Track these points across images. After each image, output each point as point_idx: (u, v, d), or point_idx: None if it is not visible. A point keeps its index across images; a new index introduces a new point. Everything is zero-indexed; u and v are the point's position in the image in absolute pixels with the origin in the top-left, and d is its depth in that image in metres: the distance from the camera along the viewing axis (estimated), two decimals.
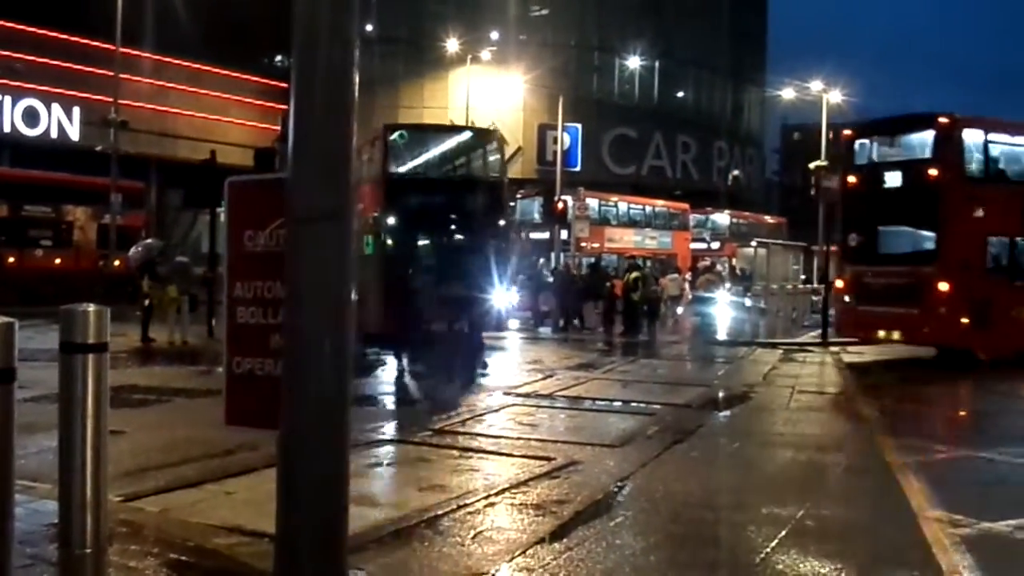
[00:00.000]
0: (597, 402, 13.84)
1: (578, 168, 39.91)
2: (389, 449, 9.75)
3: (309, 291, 3.60)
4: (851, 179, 21.26)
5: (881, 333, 20.09)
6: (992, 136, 19.66)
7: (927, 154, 19.63)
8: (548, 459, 9.11)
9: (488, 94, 52.77)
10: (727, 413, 13.24)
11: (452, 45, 50.27)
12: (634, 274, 25.45)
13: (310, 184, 3.57)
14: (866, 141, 21.27)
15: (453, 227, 19.63)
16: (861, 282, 20.36)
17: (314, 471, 3.58)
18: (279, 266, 4.11)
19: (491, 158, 20.94)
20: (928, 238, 19.52)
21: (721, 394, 14.96)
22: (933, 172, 19.03)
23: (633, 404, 13.57)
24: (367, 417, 11.13)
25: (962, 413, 15.10)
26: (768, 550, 6.50)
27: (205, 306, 20.29)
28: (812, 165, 45.00)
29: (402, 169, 19.52)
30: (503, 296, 19.61)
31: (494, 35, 53.20)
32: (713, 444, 10.86)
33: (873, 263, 20.25)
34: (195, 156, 27.05)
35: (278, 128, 35.93)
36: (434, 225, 19.32)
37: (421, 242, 19.44)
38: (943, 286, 18.64)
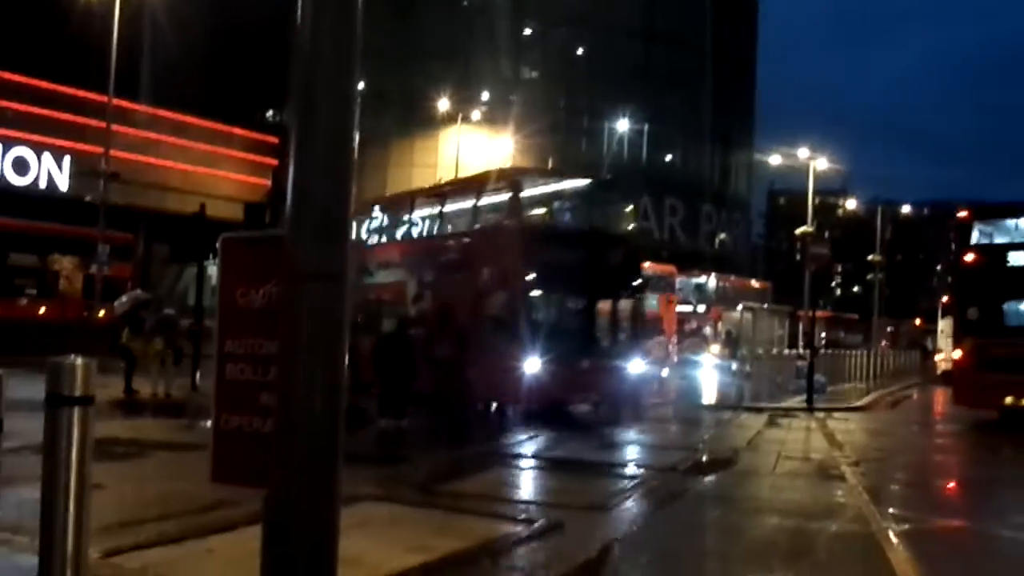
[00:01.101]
0: (583, 464, 13.79)
1: None
2: (373, 507, 9.65)
3: (303, 349, 3.59)
4: (969, 257, 22.40)
5: (1008, 400, 20.76)
6: None
7: None
8: (532, 521, 9.04)
9: (478, 153, 53.20)
10: (712, 477, 13.17)
11: (443, 104, 50.77)
12: None
13: (308, 242, 3.58)
14: (988, 221, 22.87)
15: (596, 286, 19.20)
16: (985, 352, 21.18)
17: (303, 530, 3.55)
18: (271, 323, 4.11)
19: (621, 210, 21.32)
20: None
21: (706, 458, 14.91)
22: None
23: (618, 467, 13.51)
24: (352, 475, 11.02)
25: (953, 484, 15.06)
26: None
27: (190, 359, 20.17)
28: (799, 231, 45.45)
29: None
30: (639, 366, 19.18)
31: (484, 95, 53.81)
32: (699, 508, 10.81)
33: (997, 335, 21.18)
34: (184, 209, 27.07)
35: (268, 182, 36.15)
36: (575, 284, 18.81)
37: (562, 303, 19.24)
38: None
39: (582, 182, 23.38)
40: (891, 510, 10.43)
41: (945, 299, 25.25)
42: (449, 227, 22.02)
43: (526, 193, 19.86)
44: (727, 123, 68.72)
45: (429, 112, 52.62)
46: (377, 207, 25.29)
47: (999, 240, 22.50)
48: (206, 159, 42.55)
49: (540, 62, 61.59)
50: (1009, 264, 21.71)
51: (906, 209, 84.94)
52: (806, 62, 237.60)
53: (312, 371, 3.58)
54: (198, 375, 19.67)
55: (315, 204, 3.57)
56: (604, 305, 19.60)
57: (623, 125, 59.29)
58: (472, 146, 52.08)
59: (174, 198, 37.69)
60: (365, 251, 23.62)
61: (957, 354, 22.39)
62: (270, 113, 47.00)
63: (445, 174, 54.68)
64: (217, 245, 4.94)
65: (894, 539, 8.98)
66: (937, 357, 41.97)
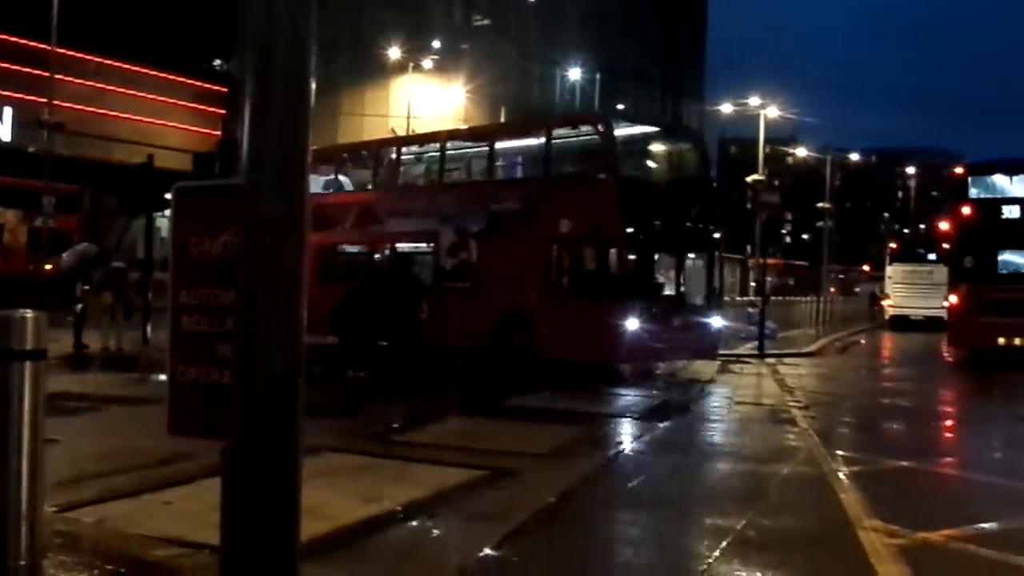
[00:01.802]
0: (536, 412, 13.87)
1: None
2: (332, 458, 9.64)
3: (261, 297, 3.53)
4: (966, 210, 23.95)
5: (1001, 340, 22.31)
6: None
7: None
8: (490, 469, 9.09)
9: (429, 102, 52.79)
10: (668, 423, 13.31)
11: (394, 53, 50.12)
12: None
13: (266, 191, 3.50)
14: (983, 178, 24.64)
15: (688, 240, 19.52)
16: (980, 298, 22.74)
17: (264, 482, 3.50)
18: (227, 273, 4.03)
19: (698, 157, 21.12)
20: None
21: (662, 404, 15.07)
22: None
23: (575, 415, 13.61)
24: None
25: (900, 426, 15.34)
26: (711, 560, 6.54)
27: (141, 312, 19.92)
28: (749, 179, 45.71)
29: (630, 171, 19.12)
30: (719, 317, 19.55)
31: (436, 43, 53.24)
32: (655, 453, 10.93)
33: (992, 281, 22.89)
34: (132, 160, 26.54)
35: (218, 132, 35.52)
36: (669, 237, 19.09)
37: (656, 257, 19.16)
38: None
39: (650, 129, 23.71)
40: (840, 452, 10.62)
41: (946, 246, 27.64)
42: (500, 172, 21.39)
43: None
44: (678, 72, 68.82)
45: (380, 61, 51.95)
46: (387, 148, 24.68)
47: (991, 195, 24.28)
48: (154, 109, 41.65)
49: (491, 10, 61.00)
50: (1003, 216, 23.49)
51: (855, 157, 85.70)
52: (757, 13, 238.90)
53: (271, 319, 3.52)
54: (149, 328, 19.44)
55: (272, 149, 3.49)
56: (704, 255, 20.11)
57: (575, 74, 58.99)
58: (424, 95, 51.63)
59: (121, 149, 36.87)
60: (369, 196, 23.35)
61: (953, 299, 24.07)
62: (218, 62, 46.08)
63: (396, 124, 54.24)
64: (169, 195, 4.83)
65: (844, 480, 9.16)
66: (885, 303, 42.65)
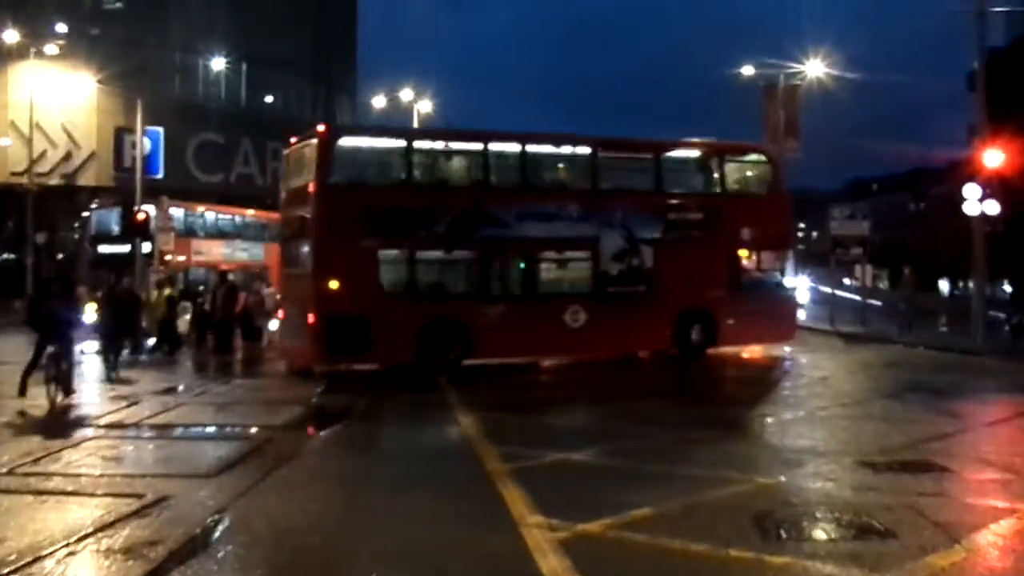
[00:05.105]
0: (190, 429, 13.31)
1: (161, 176, 38.02)
2: None
3: None
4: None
5: None
6: None
7: None
8: (137, 496, 8.59)
9: (56, 93, 49.29)
10: (330, 431, 13.20)
11: (10, 36, 45.86)
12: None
13: None
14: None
15: None
16: None
17: None
18: None
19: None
20: None
21: (322, 412, 14.94)
22: None
23: (228, 429, 13.20)
24: None
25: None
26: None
27: None
28: None
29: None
30: None
31: (61, 27, 49.62)
32: (315, 465, 10.78)
33: None
34: None
35: None
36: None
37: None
38: None
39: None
40: (503, 448, 10.96)
41: None
42: (670, 186, 23.30)
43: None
44: (329, 65, 68.54)
45: None
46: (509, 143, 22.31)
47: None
48: None
49: None
50: None
51: None
52: (409, 15, 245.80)
53: None
54: None
55: None
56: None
57: (219, 64, 57.11)
58: (49, 84, 48.01)
59: None
60: (477, 195, 21.11)
61: None
62: None
63: (17, 114, 50.06)
64: None
65: (507, 478, 9.44)
66: None
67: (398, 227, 20.03)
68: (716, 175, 23.77)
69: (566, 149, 23.21)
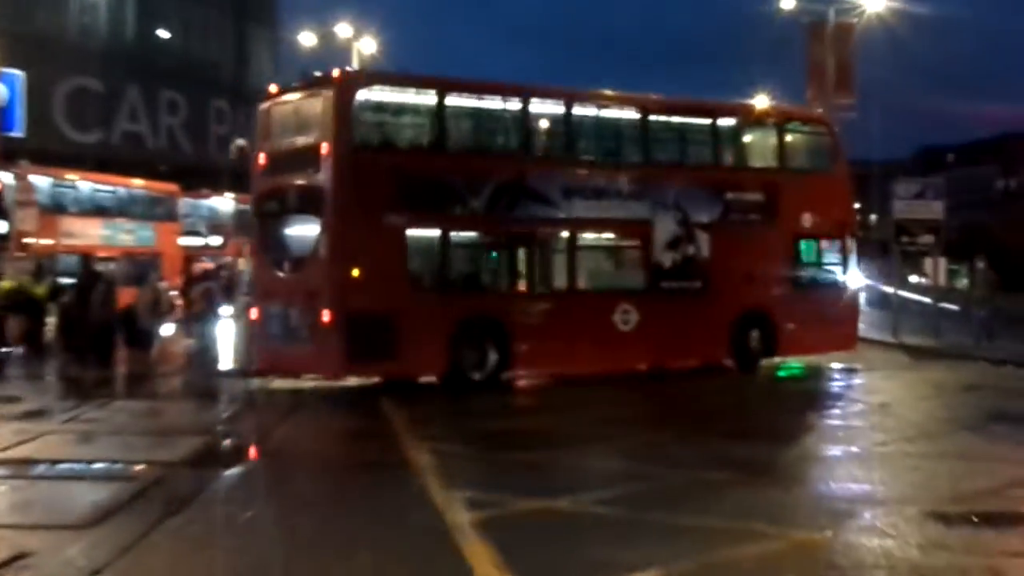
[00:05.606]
0: (56, 466, 13.25)
1: (20, 133, 37.72)
2: None
3: None
4: None
5: None
6: None
7: None
8: None
9: None
10: (238, 469, 13.18)
11: None
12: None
13: None
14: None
15: None
16: None
17: None
18: None
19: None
20: None
21: (228, 444, 14.90)
22: None
23: (107, 466, 13.15)
24: None
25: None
26: None
27: None
28: None
29: None
30: None
31: None
32: (218, 513, 10.75)
33: None
34: None
35: None
36: None
37: None
38: None
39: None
40: (468, 494, 11.00)
41: None
42: (728, 158, 24.16)
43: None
44: None
45: None
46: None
47: None
48: None
49: None
50: None
51: None
52: None
53: None
54: None
55: None
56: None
57: None
58: None
59: None
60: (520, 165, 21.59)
61: None
62: None
63: None
64: None
65: (472, 530, 9.48)
66: None
67: (430, 202, 20.43)
68: (775, 147, 24.40)
69: (614, 111, 23.60)
